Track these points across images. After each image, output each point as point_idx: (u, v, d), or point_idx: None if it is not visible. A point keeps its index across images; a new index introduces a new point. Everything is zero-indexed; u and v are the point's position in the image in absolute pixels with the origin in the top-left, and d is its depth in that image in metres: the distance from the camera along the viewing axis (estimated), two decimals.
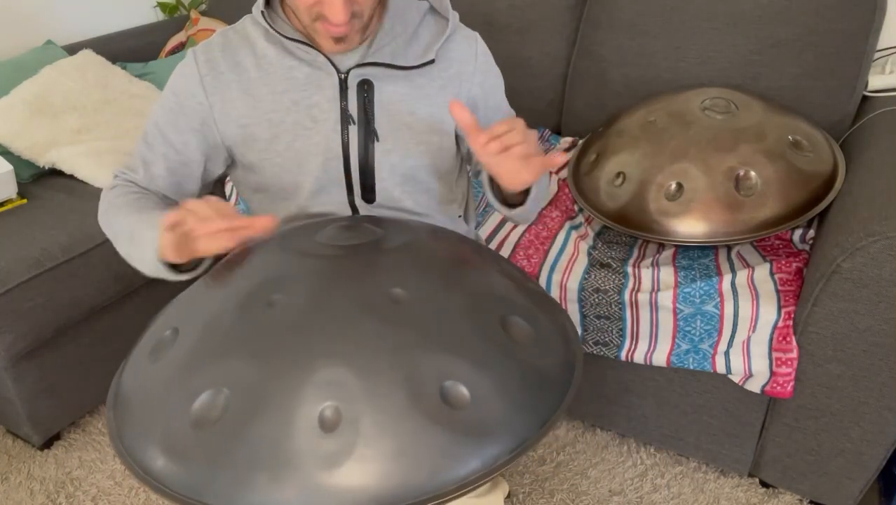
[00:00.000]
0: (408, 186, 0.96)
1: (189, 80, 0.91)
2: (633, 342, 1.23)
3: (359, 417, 0.54)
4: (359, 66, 0.89)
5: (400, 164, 0.94)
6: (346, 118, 0.90)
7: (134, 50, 2.08)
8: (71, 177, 1.60)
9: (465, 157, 1.06)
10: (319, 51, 0.88)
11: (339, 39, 0.83)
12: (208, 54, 0.92)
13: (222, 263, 0.76)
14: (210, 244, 0.73)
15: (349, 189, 0.95)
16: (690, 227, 1.20)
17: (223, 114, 0.92)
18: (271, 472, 0.52)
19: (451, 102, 0.78)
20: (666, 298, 1.17)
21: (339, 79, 0.89)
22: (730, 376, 1.20)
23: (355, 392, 0.55)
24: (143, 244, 0.82)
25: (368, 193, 0.95)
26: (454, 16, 0.95)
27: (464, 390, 0.57)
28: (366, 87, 0.90)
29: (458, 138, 1.00)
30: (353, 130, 0.91)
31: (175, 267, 0.83)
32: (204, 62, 0.91)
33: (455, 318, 0.62)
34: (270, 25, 0.88)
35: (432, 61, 0.92)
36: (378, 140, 0.92)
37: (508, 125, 0.77)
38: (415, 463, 0.53)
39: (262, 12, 0.88)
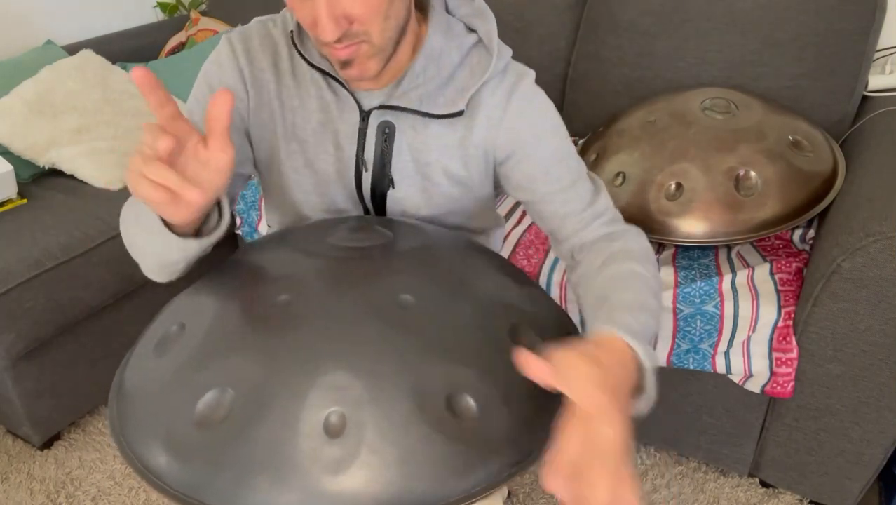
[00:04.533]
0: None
1: (227, 70, 0.82)
2: None
3: (364, 423, 0.54)
4: (382, 107, 0.80)
5: (414, 213, 0.86)
6: (359, 161, 0.83)
7: (134, 50, 2.08)
8: (71, 177, 1.60)
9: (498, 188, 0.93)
10: (343, 85, 0.80)
11: (345, 64, 0.73)
12: (247, 44, 0.82)
13: (230, 260, 0.76)
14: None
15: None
16: (690, 227, 1.21)
17: (256, 115, 0.84)
18: (274, 475, 0.52)
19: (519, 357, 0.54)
20: (666, 298, 1.17)
21: (360, 117, 0.81)
22: (730, 376, 1.20)
23: (361, 398, 0.55)
24: (148, 216, 0.69)
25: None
26: (501, 55, 0.80)
27: (470, 401, 0.56)
28: (386, 131, 0.81)
29: (496, 180, 0.88)
30: (366, 175, 0.84)
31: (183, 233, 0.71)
32: (242, 52, 0.82)
33: (464, 326, 0.62)
34: (297, 47, 0.80)
35: (461, 112, 0.79)
36: (393, 187, 0.84)
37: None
38: (418, 472, 0.52)
39: (292, 32, 0.80)
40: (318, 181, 0.87)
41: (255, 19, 0.85)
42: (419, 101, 0.79)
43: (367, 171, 0.83)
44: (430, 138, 0.82)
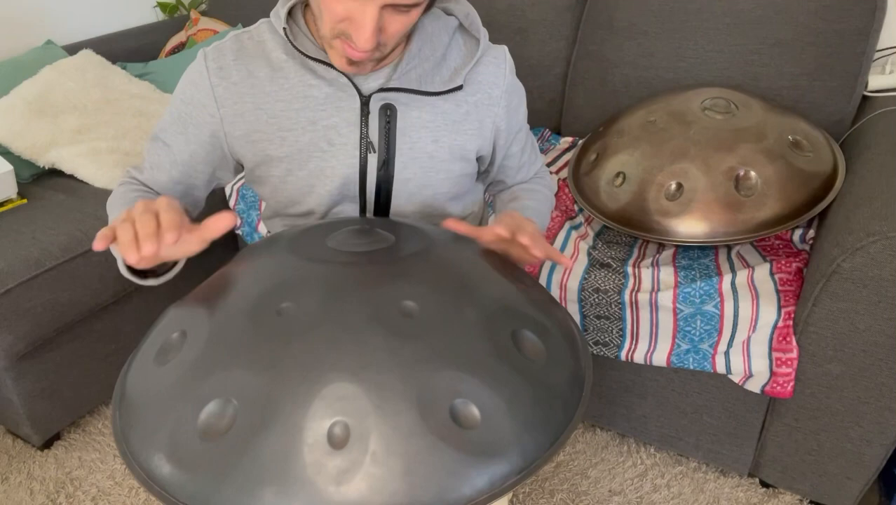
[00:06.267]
0: (423, 211, 0.93)
1: (199, 88, 0.86)
2: (633, 342, 1.23)
3: (368, 434, 0.53)
4: (382, 90, 0.84)
5: (418, 193, 0.90)
6: (365, 145, 0.86)
7: (134, 50, 2.08)
8: (71, 177, 1.60)
9: (482, 174, 1.03)
10: (342, 72, 0.83)
11: (353, 63, 0.78)
12: (220, 61, 0.85)
13: (230, 264, 0.75)
14: (169, 251, 0.71)
15: (362, 209, 0.92)
16: (690, 227, 1.21)
17: (234, 127, 0.87)
18: (278, 486, 0.52)
19: (447, 221, 0.79)
20: (666, 298, 1.17)
21: (361, 102, 0.85)
22: (730, 376, 1.20)
23: (365, 409, 0.54)
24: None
25: (381, 214, 0.92)
26: (485, 35, 0.89)
27: (474, 410, 0.56)
28: (388, 113, 0.86)
29: (478, 160, 0.97)
30: (372, 158, 0.87)
31: (141, 272, 0.80)
32: (216, 70, 0.85)
33: (467, 333, 0.61)
34: (292, 42, 0.83)
35: (460, 87, 0.87)
36: (397, 168, 0.88)
37: (511, 230, 0.78)
38: (423, 482, 0.52)
39: (285, 28, 0.83)
40: (317, 181, 0.88)
41: (231, 34, 0.89)
42: (418, 81, 0.86)
43: (373, 152, 0.87)
44: (436, 115, 0.88)
